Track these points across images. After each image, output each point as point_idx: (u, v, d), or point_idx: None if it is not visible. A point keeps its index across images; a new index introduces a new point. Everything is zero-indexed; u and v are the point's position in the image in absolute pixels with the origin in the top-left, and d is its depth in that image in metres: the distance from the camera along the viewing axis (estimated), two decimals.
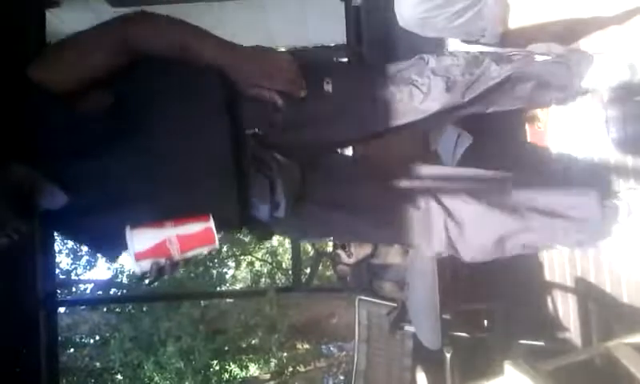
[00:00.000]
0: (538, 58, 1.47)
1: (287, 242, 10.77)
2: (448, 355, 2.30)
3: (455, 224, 1.39)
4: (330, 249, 3.80)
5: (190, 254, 1.13)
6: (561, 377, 1.33)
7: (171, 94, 1.20)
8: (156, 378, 8.66)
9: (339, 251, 2.71)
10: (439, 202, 1.40)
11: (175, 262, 1.14)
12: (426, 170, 1.48)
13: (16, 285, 3.81)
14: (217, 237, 1.11)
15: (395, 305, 2.90)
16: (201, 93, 1.21)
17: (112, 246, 1.22)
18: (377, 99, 1.37)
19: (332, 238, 2.74)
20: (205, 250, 1.15)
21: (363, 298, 3.15)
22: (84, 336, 9.91)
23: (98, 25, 1.20)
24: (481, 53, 1.46)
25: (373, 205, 1.42)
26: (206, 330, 8.68)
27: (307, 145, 1.35)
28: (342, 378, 10.38)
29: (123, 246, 1.08)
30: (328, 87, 1.32)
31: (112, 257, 1.53)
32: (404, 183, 1.44)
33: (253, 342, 9.64)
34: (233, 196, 1.22)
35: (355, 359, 3.22)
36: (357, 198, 1.41)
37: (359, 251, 2.62)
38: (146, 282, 1.15)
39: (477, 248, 1.43)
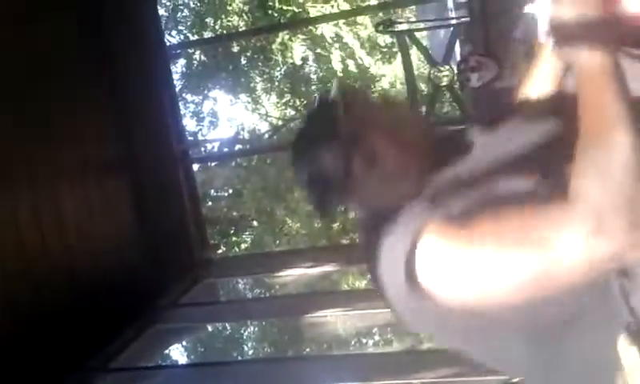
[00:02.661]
0: None
1: (399, 83, 10.56)
2: None
3: None
4: (446, 81, 3.68)
5: None
6: None
7: None
8: (288, 222, 9.32)
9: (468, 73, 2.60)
10: None
11: None
12: None
13: (154, 145, 4.18)
14: None
15: None
16: None
17: None
18: None
19: None
20: None
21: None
22: (219, 189, 10.79)
23: None
24: None
25: None
26: None
27: None
28: None
29: None
30: None
31: None
32: None
33: None
34: None
35: None
36: None
37: (486, 66, 2.50)
38: None
39: None
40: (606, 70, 0.83)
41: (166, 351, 8.33)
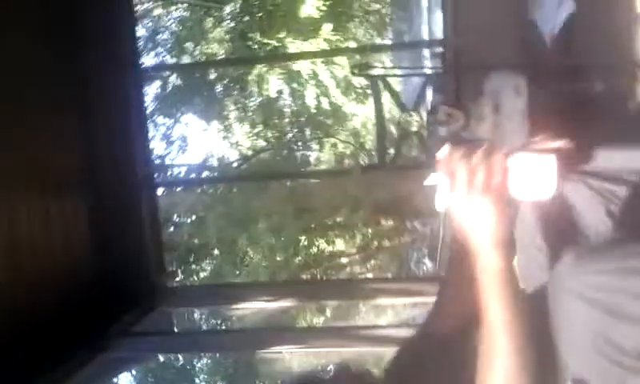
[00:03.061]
0: None
1: (370, 123, 10.71)
2: None
3: None
4: (414, 128, 3.75)
5: None
6: None
7: None
8: (249, 252, 9.23)
9: (436, 124, 2.65)
10: None
11: None
12: None
13: (118, 167, 4.09)
14: None
15: None
16: None
17: None
18: None
19: None
20: None
21: None
22: (181, 215, 10.63)
23: None
24: None
25: None
26: (294, 209, 9.02)
27: None
28: (426, 251, 10.61)
29: None
30: None
31: None
32: None
33: (338, 219, 9.93)
34: None
35: (441, 232, 3.25)
36: None
37: (455, 117, 2.55)
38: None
39: None
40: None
41: (115, 380, 8.06)
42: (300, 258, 9.65)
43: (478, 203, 1.04)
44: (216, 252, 9.91)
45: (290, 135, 11.12)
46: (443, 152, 1.12)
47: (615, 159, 1.23)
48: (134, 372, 9.35)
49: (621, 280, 0.98)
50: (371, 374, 1.29)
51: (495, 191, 1.05)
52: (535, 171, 1.09)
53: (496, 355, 0.98)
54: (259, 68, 10.40)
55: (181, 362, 9.76)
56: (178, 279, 8.41)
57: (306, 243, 9.79)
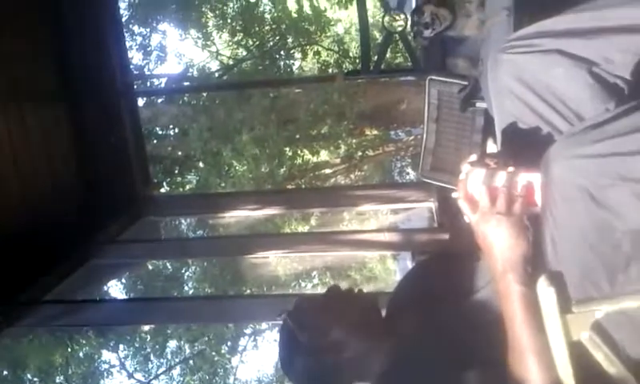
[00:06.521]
0: None
1: (354, 29, 10.45)
2: None
3: None
4: (400, 29, 3.66)
5: None
6: None
7: None
8: (234, 164, 9.24)
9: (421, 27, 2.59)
10: None
11: None
12: None
13: (96, 76, 4.00)
14: None
15: (467, 82, 2.83)
16: None
17: None
18: None
19: None
20: None
21: (434, 77, 3.09)
22: (164, 128, 10.51)
23: None
24: None
25: None
26: (277, 120, 8.95)
27: None
28: (409, 160, 10.71)
29: None
30: None
31: None
32: None
33: (322, 130, 9.90)
34: None
35: (424, 138, 3.26)
36: None
37: (442, 17, 2.49)
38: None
39: None
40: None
41: (104, 287, 8.26)
42: (285, 168, 9.68)
43: (497, 227, 1.03)
44: (200, 164, 9.89)
45: (272, 43, 10.81)
46: (463, 174, 1.11)
47: None
48: (123, 280, 9.58)
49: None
50: (361, 292, 1.33)
51: (515, 215, 1.04)
52: None
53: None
54: None
55: (169, 270, 9.99)
56: (163, 190, 8.44)
57: (290, 154, 9.80)
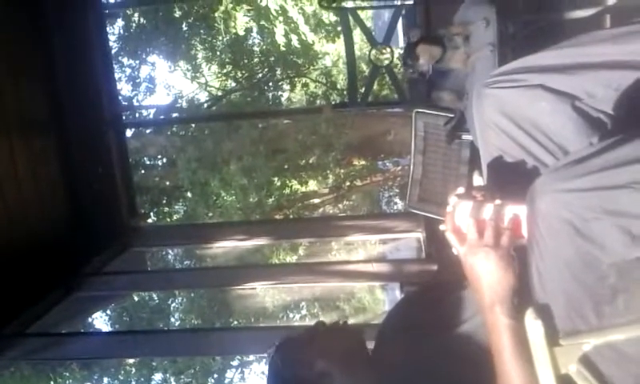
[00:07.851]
0: None
1: (342, 62, 10.60)
2: None
3: None
4: (386, 62, 3.72)
5: None
6: None
7: None
8: (222, 194, 9.22)
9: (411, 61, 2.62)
10: None
11: None
12: None
13: (84, 106, 4.01)
14: None
15: (453, 115, 2.87)
16: None
17: None
18: None
19: None
20: None
21: (420, 110, 3.13)
22: (152, 158, 10.50)
23: None
24: None
25: None
26: (266, 150, 8.98)
27: None
28: (397, 190, 10.76)
29: None
30: None
31: None
32: None
33: (311, 160, 9.94)
34: None
35: (411, 169, 3.29)
36: None
37: (433, 55, 2.52)
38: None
39: None
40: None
41: (89, 319, 8.13)
42: (273, 198, 9.68)
43: (485, 259, 1.04)
44: (188, 194, 9.87)
45: (260, 75, 10.92)
46: (450, 206, 1.13)
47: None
48: (108, 312, 9.44)
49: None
50: (346, 324, 1.33)
51: (503, 248, 1.05)
52: None
53: None
54: (225, 4, 10.09)
55: (156, 301, 9.86)
56: (150, 221, 8.39)
57: (278, 184, 9.82)
